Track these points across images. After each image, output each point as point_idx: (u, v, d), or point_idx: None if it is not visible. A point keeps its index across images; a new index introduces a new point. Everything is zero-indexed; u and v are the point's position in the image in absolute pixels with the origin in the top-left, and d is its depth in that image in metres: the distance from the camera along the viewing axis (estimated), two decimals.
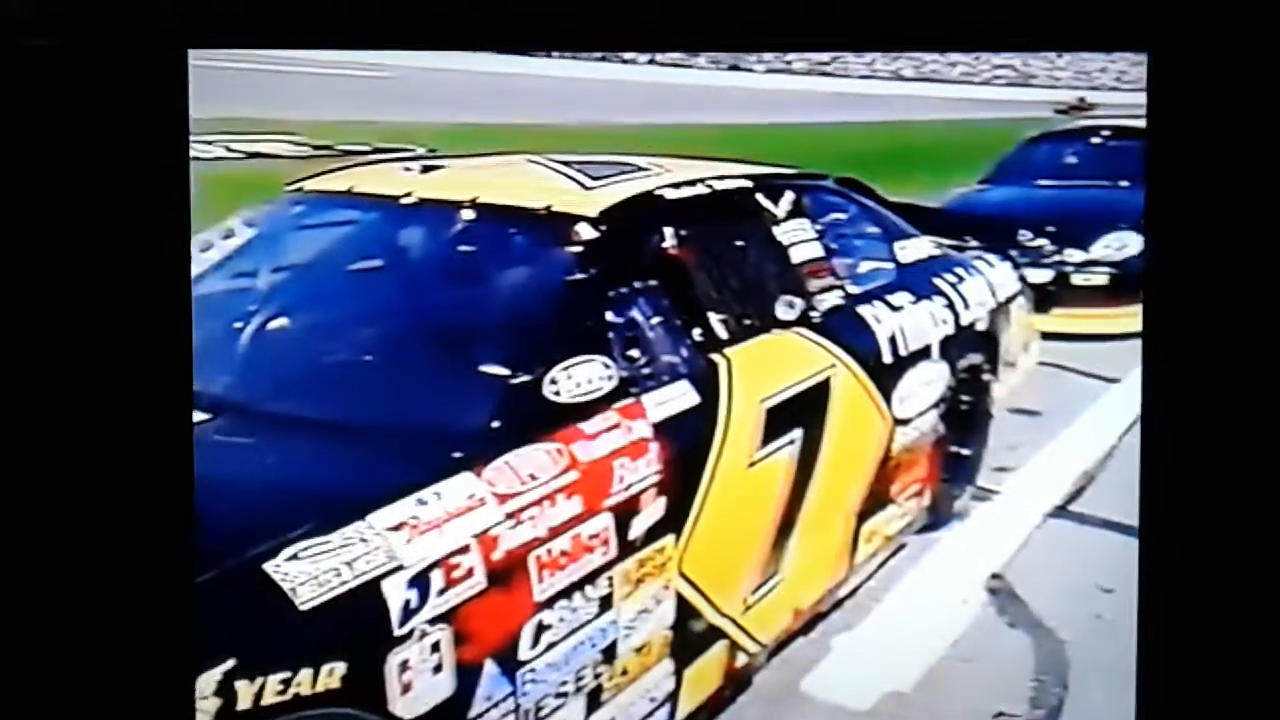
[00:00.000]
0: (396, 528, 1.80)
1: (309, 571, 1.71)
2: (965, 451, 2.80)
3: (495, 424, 1.97)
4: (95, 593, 1.91)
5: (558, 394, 2.03)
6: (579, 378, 2.06)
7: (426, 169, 2.38)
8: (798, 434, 2.36)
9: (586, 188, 2.31)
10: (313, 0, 1.91)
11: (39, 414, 1.89)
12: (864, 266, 2.69)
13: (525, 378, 2.02)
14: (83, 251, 1.85)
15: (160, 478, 1.87)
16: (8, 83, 1.80)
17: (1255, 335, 2.07)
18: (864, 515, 2.59)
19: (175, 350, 1.84)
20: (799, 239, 2.53)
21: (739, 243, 2.44)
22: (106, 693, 1.93)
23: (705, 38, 2.04)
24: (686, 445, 2.16)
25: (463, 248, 2.26)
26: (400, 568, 1.78)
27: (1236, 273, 2.06)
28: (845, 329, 2.53)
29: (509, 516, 1.90)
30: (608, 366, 2.10)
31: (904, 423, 2.62)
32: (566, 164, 2.38)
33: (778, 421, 2.31)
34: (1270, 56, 1.99)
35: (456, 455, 1.91)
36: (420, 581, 1.79)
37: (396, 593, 1.77)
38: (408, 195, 2.29)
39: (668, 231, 2.30)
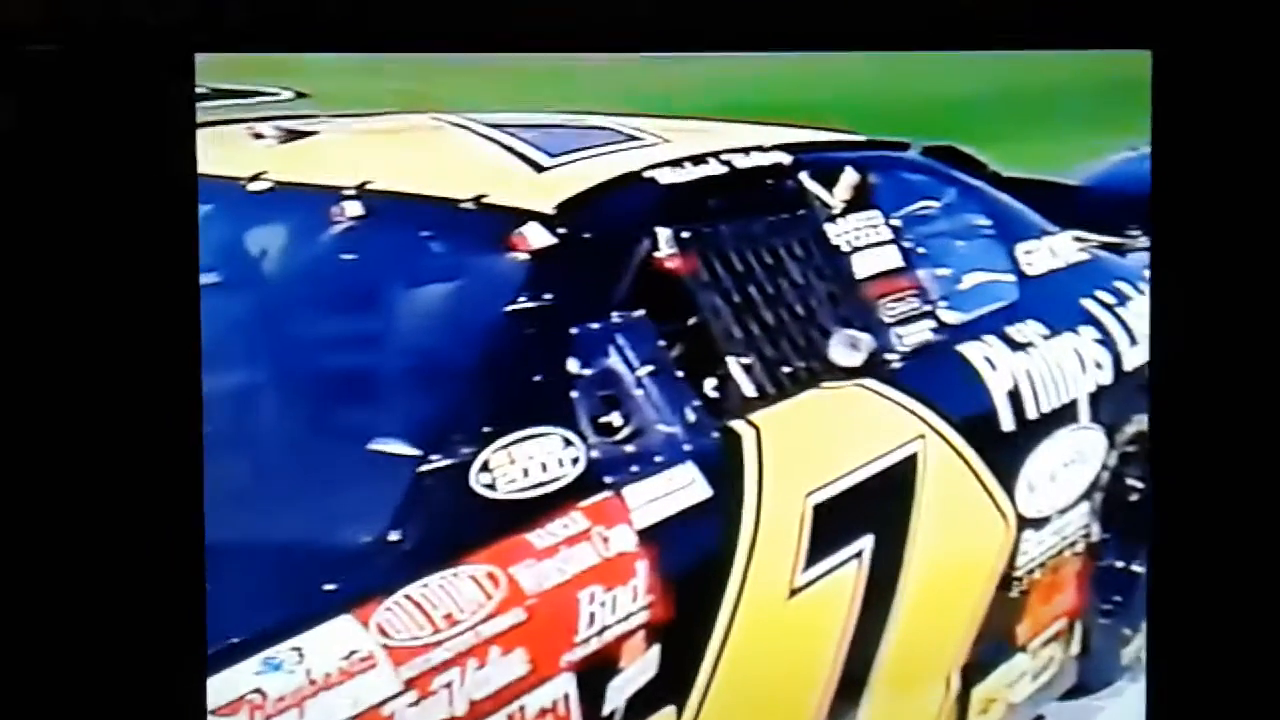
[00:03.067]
0: (231, 708, 1.79)
1: None
2: (1137, 568, 2.73)
3: (393, 536, 1.96)
4: None
5: (492, 486, 2.03)
6: (525, 461, 2.05)
7: (289, 135, 2.34)
8: (866, 544, 2.37)
9: (540, 167, 2.31)
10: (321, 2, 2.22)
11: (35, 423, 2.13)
12: (968, 280, 2.69)
13: (442, 461, 2.02)
14: (85, 262, 2.10)
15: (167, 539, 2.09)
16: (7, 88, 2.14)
17: (1263, 339, 2.46)
18: (975, 671, 2.59)
19: (182, 362, 2.07)
20: (866, 241, 2.54)
21: (774, 249, 2.43)
22: None
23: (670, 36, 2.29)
24: (693, 564, 2.18)
25: (345, 257, 2.23)
26: None
27: (1243, 273, 2.45)
28: (940, 379, 2.54)
29: (410, 685, 1.90)
30: (570, 443, 2.10)
31: (1036, 524, 2.61)
32: (508, 129, 2.35)
33: (835, 525, 2.32)
34: (1275, 54, 2.46)
35: (329, 588, 1.90)
36: None
37: None
38: (259, 177, 2.25)
39: (663, 234, 2.30)
